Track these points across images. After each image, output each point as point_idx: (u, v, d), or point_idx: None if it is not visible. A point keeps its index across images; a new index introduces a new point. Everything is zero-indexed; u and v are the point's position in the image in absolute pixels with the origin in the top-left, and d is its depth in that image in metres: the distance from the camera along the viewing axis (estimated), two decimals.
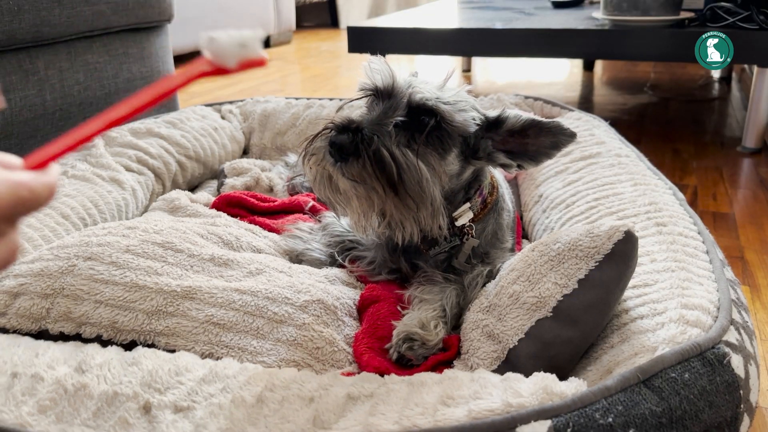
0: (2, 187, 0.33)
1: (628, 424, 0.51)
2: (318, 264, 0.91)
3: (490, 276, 0.80)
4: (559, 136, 0.77)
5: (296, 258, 0.93)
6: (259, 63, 0.39)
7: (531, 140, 0.79)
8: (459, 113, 0.76)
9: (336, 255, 0.92)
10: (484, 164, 0.82)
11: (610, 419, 0.51)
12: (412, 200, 0.72)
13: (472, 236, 0.84)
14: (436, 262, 0.86)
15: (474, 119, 0.78)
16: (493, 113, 0.80)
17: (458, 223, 0.83)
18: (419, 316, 0.75)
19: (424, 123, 0.74)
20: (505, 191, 0.94)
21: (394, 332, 0.74)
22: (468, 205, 0.83)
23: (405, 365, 0.72)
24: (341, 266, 0.91)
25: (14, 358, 0.61)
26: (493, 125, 0.80)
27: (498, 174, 0.94)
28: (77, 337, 0.73)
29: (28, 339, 0.69)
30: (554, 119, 0.78)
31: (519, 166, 0.80)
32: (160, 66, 1.67)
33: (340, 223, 0.97)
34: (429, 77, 0.80)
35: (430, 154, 0.74)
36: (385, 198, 0.72)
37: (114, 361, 0.61)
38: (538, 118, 0.78)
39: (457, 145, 0.77)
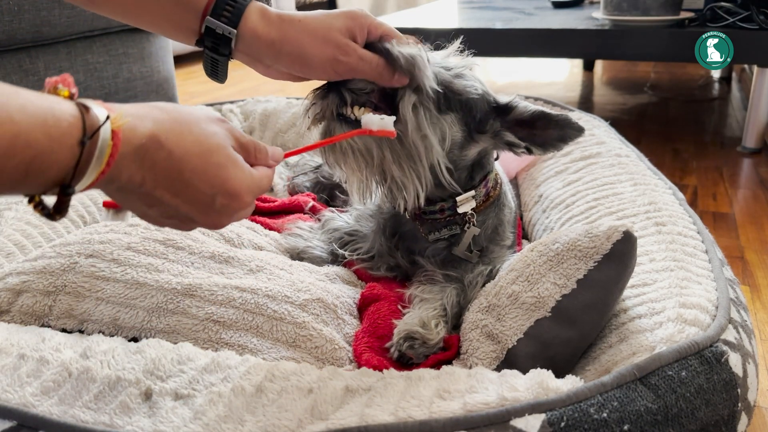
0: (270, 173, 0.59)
1: (623, 420, 0.51)
2: (319, 261, 0.92)
3: (491, 276, 0.80)
4: (567, 129, 0.78)
5: (297, 256, 0.94)
6: (391, 134, 0.67)
7: (539, 131, 0.80)
8: (457, 79, 0.77)
9: (336, 249, 0.93)
10: (490, 141, 0.82)
11: (605, 414, 0.51)
12: (412, 149, 0.73)
13: (474, 224, 0.84)
14: (436, 250, 0.86)
15: (476, 89, 0.78)
16: (503, 99, 0.81)
17: (460, 210, 0.84)
18: (420, 314, 0.76)
19: None
20: (508, 190, 0.95)
21: (395, 331, 0.74)
22: (472, 193, 0.84)
23: (405, 364, 0.72)
24: (343, 258, 0.92)
25: (21, 342, 0.63)
26: (502, 110, 0.80)
27: (503, 174, 0.95)
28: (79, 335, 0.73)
29: (35, 327, 0.71)
30: (562, 113, 0.79)
31: (527, 149, 0.80)
32: (160, 66, 1.67)
33: (340, 216, 0.98)
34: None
35: None
36: (382, 146, 0.72)
37: (118, 348, 0.62)
38: (547, 110, 0.79)
39: (456, 110, 0.77)
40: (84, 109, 0.43)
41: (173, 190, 0.49)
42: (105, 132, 0.43)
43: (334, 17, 0.70)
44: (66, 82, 0.44)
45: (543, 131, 0.79)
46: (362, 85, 0.73)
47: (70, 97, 0.44)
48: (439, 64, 0.77)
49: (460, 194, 0.84)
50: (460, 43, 0.80)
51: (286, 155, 0.63)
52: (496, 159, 0.88)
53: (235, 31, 0.68)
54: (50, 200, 0.45)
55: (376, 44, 0.71)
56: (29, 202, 0.45)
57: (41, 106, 0.41)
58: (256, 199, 0.57)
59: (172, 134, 0.48)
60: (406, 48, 0.71)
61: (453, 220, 0.85)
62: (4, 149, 0.38)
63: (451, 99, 0.77)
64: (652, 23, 1.83)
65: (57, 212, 0.44)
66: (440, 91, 0.75)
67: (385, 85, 0.72)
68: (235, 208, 0.53)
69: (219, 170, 0.51)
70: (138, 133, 0.46)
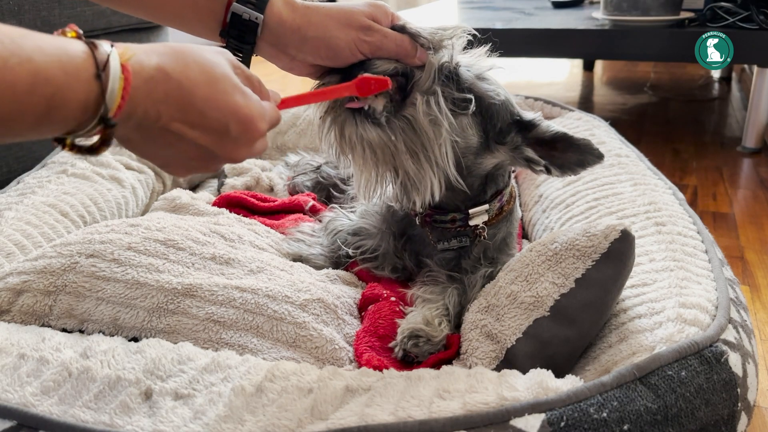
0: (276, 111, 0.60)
1: (623, 419, 0.51)
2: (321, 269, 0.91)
3: (491, 278, 0.80)
4: (587, 155, 0.76)
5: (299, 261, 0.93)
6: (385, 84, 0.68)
7: (558, 153, 0.77)
8: (479, 81, 0.76)
9: (340, 245, 0.91)
10: (509, 155, 0.79)
11: (605, 414, 0.51)
12: (424, 143, 0.72)
13: (484, 238, 0.83)
14: (444, 260, 0.86)
15: (497, 94, 0.77)
16: (527, 115, 0.79)
17: (472, 223, 0.82)
18: (423, 313, 0.76)
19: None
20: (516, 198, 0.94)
21: (399, 330, 0.74)
22: (486, 207, 0.83)
23: (409, 363, 0.72)
24: (347, 260, 0.91)
25: (21, 342, 0.63)
26: (524, 126, 0.79)
27: (512, 182, 0.93)
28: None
29: (35, 326, 0.71)
30: (584, 138, 0.76)
31: (546, 168, 0.77)
32: None
33: (344, 215, 0.97)
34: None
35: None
36: (396, 137, 0.71)
37: (119, 348, 0.63)
38: (569, 133, 0.77)
39: (474, 112, 0.75)
40: (93, 46, 0.46)
41: (189, 121, 0.51)
42: (115, 66, 0.46)
43: (357, 4, 0.72)
44: (72, 28, 0.48)
45: (562, 153, 0.77)
46: (385, 67, 0.72)
47: (78, 37, 0.47)
48: (463, 64, 0.75)
49: (472, 202, 0.82)
50: (475, 41, 0.78)
51: (283, 101, 0.64)
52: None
53: (261, 16, 0.69)
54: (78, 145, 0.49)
55: (397, 25, 0.73)
56: (63, 147, 0.48)
57: (55, 45, 0.44)
58: (270, 128, 0.58)
59: (177, 66, 0.50)
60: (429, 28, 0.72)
61: (463, 232, 0.84)
62: (26, 86, 0.41)
63: (470, 100, 0.75)
64: (652, 23, 1.83)
65: (103, 144, 0.48)
66: (458, 81, 0.74)
67: (408, 63, 0.73)
68: (251, 136, 0.55)
69: (226, 97, 0.53)
70: (146, 65, 0.48)
